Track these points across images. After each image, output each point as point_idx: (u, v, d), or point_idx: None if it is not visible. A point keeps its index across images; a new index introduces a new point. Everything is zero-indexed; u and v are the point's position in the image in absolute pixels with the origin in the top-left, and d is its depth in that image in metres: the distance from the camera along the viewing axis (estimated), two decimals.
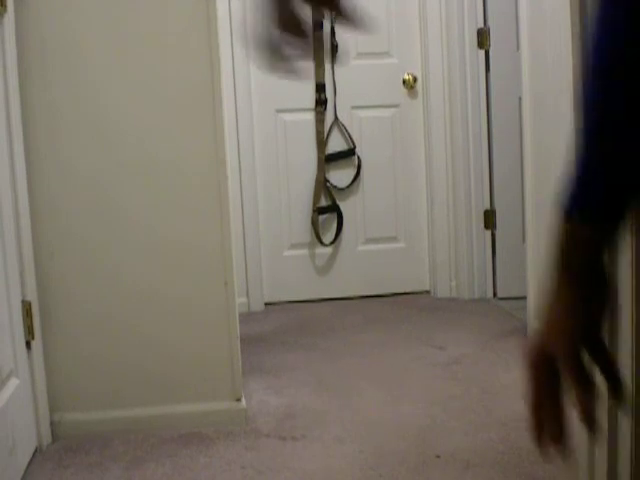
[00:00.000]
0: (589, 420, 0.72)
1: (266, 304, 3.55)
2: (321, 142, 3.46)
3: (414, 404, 2.17)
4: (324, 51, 3.46)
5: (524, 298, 2.89)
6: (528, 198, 2.79)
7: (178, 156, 1.98)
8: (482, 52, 3.39)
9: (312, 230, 3.48)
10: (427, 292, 3.66)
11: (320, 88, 3.46)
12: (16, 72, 1.86)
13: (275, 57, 0.71)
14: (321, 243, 3.50)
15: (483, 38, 3.37)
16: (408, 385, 2.34)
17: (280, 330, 3.10)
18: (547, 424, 0.74)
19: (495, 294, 3.54)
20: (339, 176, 3.49)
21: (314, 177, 3.48)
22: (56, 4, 1.91)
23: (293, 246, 3.58)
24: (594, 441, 1.32)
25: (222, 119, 1.96)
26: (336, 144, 3.49)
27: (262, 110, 3.47)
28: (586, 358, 0.73)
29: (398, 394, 2.26)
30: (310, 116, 3.48)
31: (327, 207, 3.46)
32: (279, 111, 3.49)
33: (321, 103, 3.46)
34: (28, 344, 1.91)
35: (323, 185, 3.45)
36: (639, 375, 1.21)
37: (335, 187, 3.46)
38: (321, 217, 3.50)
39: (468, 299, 3.52)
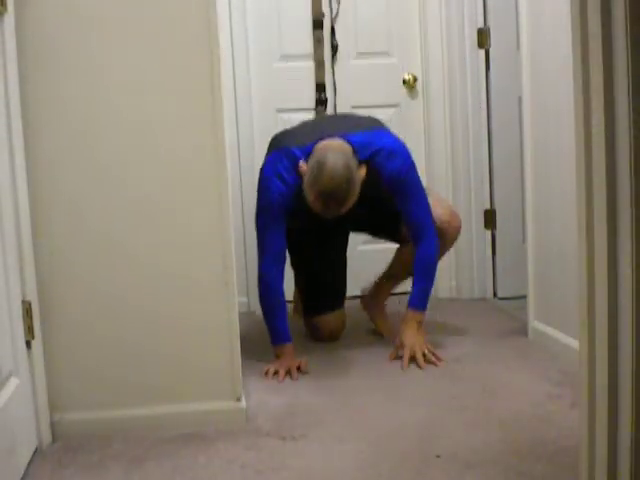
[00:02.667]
0: None
1: None
2: None
3: (414, 404, 2.17)
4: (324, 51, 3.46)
5: (524, 298, 2.90)
6: (528, 198, 2.79)
7: (177, 156, 1.98)
8: (482, 52, 3.39)
9: None
10: None
11: (320, 88, 3.46)
12: (16, 72, 1.86)
13: None
14: None
15: (483, 38, 3.37)
16: (408, 384, 2.34)
17: None
18: None
19: (495, 294, 3.54)
20: None
21: None
22: (57, 4, 1.90)
23: None
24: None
25: (222, 119, 1.96)
26: None
27: (262, 110, 3.46)
28: None
29: (398, 394, 2.26)
30: (310, 116, 3.47)
31: None
32: (279, 111, 3.49)
33: (321, 103, 3.46)
34: (28, 344, 1.91)
35: None
36: (639, 375, 1.21)
37: None
38: None
39: (468, 299, 3.52)
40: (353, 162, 2.36)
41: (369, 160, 2.48)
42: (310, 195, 2.34)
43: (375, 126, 2.63)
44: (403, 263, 2.80)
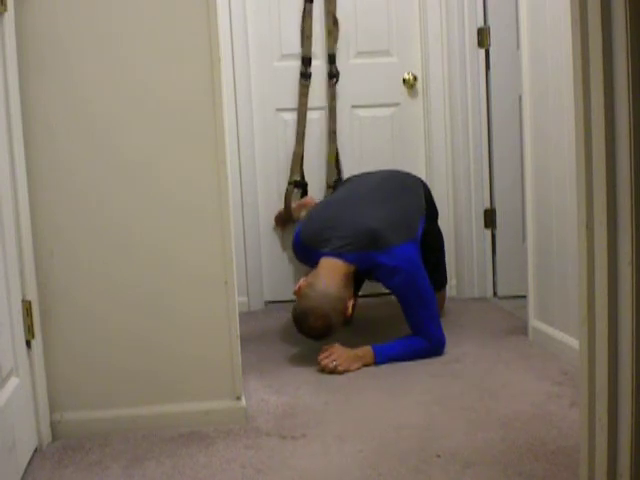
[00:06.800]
0: None
1: (266, 303, 3.55)
2: (302, 115, 3.44)
3: (414, 403, 2.17)
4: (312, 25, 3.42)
5: (524, 297, 2.90)
6: (528, 198, 2.79)
7: (178, 156, 1.98)
8: (482, 51, 3.39)
9: (284, 204, 3.46)
10: None
11: (306, 61, 3.44)
12: (16, 71, 1.86)
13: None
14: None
15: (483, 37, 3.37)
16: (408, 384, 2.34)
17: (280, 329, 3.10)
18: None
19: (495, 293, 3.54)
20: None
21: (314, 177, 3.49)
22: (57, 4, 1.90)
23: None
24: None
25: (222, 119, 1.96)
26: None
27: (262, 109, 3.46)
28: None
29: (398, 393, 2.26)
30: (311, 115, 3.47)
31: None
32: (279, 110, 3.49)
33: (306, 77, 3.44)
34: (28, 343, 1.91)
35: (300, 159, 3.45)
36: (639, 375, 1.21)
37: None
38: None
39: (468, 298, 3.52)
40: (332, 303, 2.49)
41: (370, 269, 2.61)
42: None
43: (386, 243, 2.56)
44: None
